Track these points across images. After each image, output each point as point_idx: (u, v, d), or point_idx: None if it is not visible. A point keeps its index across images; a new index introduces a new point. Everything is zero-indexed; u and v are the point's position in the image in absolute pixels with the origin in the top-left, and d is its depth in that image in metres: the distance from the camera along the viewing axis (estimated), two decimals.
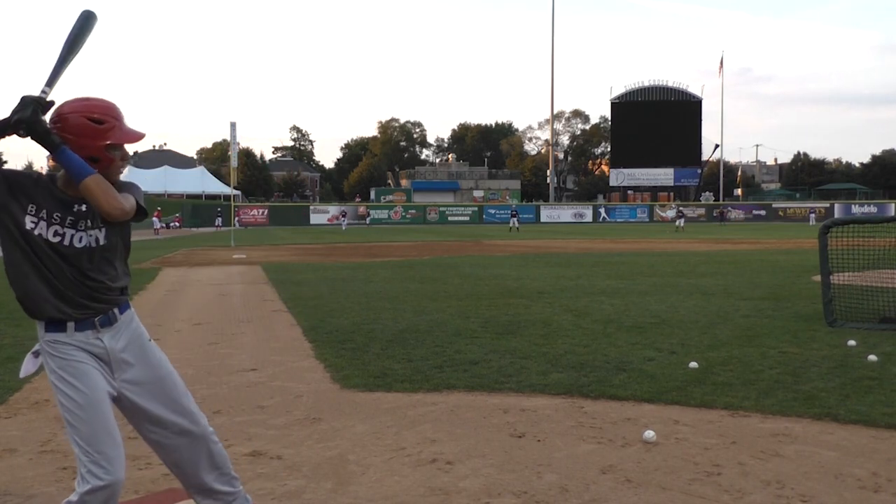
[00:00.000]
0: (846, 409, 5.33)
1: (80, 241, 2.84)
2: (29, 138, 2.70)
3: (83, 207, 2.83)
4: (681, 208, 58.40)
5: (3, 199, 2.78)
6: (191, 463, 3.07)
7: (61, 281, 2.82)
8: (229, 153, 40.54)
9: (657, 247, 28.40)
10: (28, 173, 2.89)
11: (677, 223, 51.25)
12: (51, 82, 2.78)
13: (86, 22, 2.91)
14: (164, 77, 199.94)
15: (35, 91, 2.75)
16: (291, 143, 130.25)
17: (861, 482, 4.06)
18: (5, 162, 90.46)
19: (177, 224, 64.01)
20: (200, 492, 3.14)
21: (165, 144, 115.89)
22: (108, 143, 2.81)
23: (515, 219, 51.97)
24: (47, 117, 2.75)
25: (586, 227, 58.81)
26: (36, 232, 2.79)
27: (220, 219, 61.73)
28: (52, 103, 2.74)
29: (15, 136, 2.72)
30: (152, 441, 3.07)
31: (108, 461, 2.76)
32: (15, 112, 2.67)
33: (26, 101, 2.68)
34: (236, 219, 59.85)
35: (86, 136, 2.77)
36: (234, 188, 45.82)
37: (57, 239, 2.81)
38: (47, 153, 2.74)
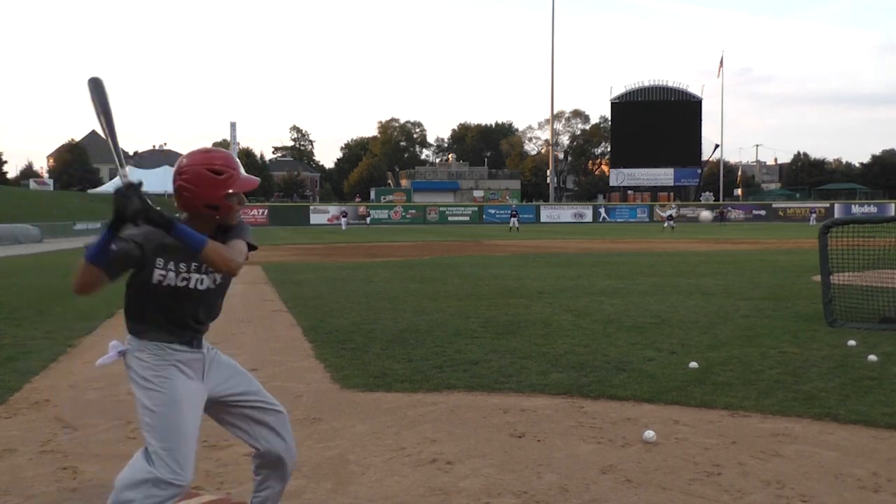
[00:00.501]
0: (846, 409, 5.33)
1: (202, 283, 3.03)
2: (144, 224, 2.75)
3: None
4: (671, 213, 57.85)
5: (139, 267, 2.93)
6: (284, 438, 3.26)
7: (179, 316, 3.01)
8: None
9: (657, 247, 28.40)
10: (154, 232, 2.86)
11: (666, 224, 51.11)
12: (122, 163, 2.86)
13: (97, 88, 2.97)
14: (165, 77, 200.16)
15: (116, 180, 2.85)
16: (291, 143, 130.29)
17: (861, 482, 4.07)
18: (5, 162, 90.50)
19: None
20: (284, 470, 3.34)
21: (165, 144, 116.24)
22: (229, 192, 2.96)
23: (515, 219, 51.95)
24: (167, 176, 2.85)
25: (586, 227, 58.80)
26: (165, 283, 2.95)
27: None
28: (141, 183, 2.78)
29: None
30: (256, 418, 3.20)
31: (183, 462, 2.88)
32: (122, 206, 2.69)
33: (126, 193, 2.71)
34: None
35: (207, 186, 2.93)
36: None
37: (183, 284, 2.98)
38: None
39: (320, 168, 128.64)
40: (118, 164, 2.86)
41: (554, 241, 34.96)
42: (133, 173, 2.99)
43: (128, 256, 2.85)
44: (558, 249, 27.12)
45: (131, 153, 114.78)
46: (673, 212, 55.78)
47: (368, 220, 69.53)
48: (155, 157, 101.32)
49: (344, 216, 61.50)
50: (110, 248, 2.76)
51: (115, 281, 2.89)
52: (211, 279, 3.05)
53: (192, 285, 3.00)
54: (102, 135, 2.98)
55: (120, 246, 2.80)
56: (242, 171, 3.05)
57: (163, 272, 2.94)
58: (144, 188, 2.75)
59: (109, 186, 62.25)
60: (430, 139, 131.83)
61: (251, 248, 3.07)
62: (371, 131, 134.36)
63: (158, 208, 2.77)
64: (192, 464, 2.93)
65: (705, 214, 59.85)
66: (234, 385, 3.18)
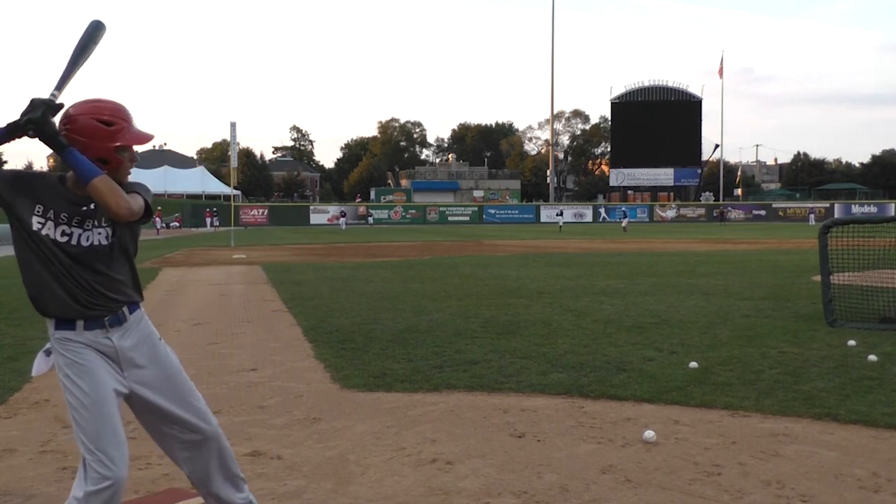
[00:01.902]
0: (846, 409, 5.33)
1: (87, 240, 2.86)
2: (37, 139, 2.73)
3: (91, 207, 2.85)
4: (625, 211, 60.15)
5: (8, 199, 2.82)
6: (202, 462, 3.10)
7: (70, 280, 2.85)
8: (229, 153, 40.56)
9: (657, 247, 28.40)
10: (35, 173, 2.92)
11: (624, 224, 51.97)
12: (60, 86, 2.81)
13: (94, 31, 2.94)
14: (165, 77, 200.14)
15: (45, 94, 2.78)
16: (291, 143, 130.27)
17: (861, 482, 4.06)
18: (5, 162, 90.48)
19: (177, 224, 63.97)
20: (211, 496, 3.17)
21: (165, 144, 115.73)
22: (118, 144, 2.84)
23: (627, 220, 54.22)
24: (56, 120, 2.78)
25: (586, 227, 58.80)
26: (43, 232, 2.82)
27: (215, 219, 61.16)
28: (61, 106, 2.77)
29: (19, 138, 2.75)
30: (165, 440, 3.09)
31: (111, 460, 2.78)
32: (25, 113, 2.70)
33: (36, 103, 2.72)
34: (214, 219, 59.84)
35: (95, 137, 2.79)
36: (234, 188, 45.83)
37: (64, 238, 2.83)
38: (50, 153, 2.78)
39: (320, 168, 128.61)
40: (57, 85, 2.81)
41: (554, 241, 34.96)
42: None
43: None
44: (558, 249, 27.12)
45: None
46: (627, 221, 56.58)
47: (370, 219, 69.51)
48: (155, 157, 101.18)
49: (343, 216, 61.53)
50: None
51: None
52: (99, 236, 2.87)
53: (73, 241, 2.83)
54: (66, 65, 2.89)
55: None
56: (135, 124, 2.91)
57: (41, 220, 2.80)
58: (60, 113, 2.74)
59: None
60: (430, 139, 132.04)
61: (148, 212, 2.90)
62: (371, 131, 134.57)
63: (63, 135, 2.74)
64: (125, 457, 2.83)
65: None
66: (161, 395, 3.00)
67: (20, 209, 2.82)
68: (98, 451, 2.78)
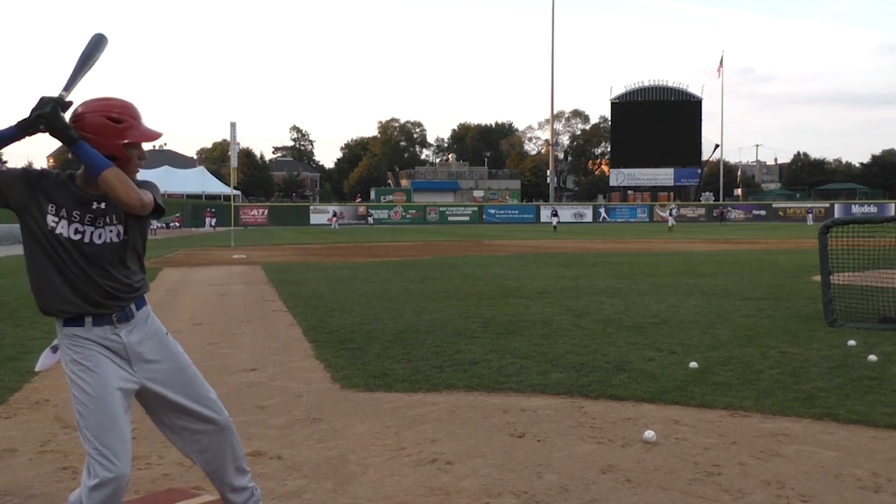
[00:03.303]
0: (846, 409, 5.33)
1: (100, 237, 2.88)
2: (48, 134, 2.76)
3: (102, 205, 2.88)
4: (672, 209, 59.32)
5: (23, 201, 2.85)
6: (217, 453, 3.14)
7: (81, 278, 2.87)
8: (229, 153, 40.54)
9: (657, 247, 28.40)
10: (46, 172, 2.93)
11: (670, 222, 51.79)
12: (68, 87, 2.84)
13: (98, 42, 2.98)
14: (165, 77, 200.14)
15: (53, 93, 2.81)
16: (291, 143, 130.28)
17: (861, 482, 4.06)
18: (5, 162, 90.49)
19: (177, 224, 63.91)
20: (225, 486, 3.21)
21: (165, 144, 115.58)
22: (127, 141, 2.86)
23: (672, 218, 53.29)
24: (66, 117, 2.81)
25: (586, 227, 58.79)
26: (57, 231, 2.84)
27: (213, 219, 61.03)
28: (70, 103, 2.81)
29: (31, 135, 2.78)
30: (180, 434, 3.11)
31: (114, 455, 2.79)
32: (35, 109, 2.74)
33: (45, 100, 2.75)
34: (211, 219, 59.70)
35: (104, 134, 2.82)
36: (235, 188, 45.83)
37: (78, 237, 2.86)
38: (49, 153, 2.78)
39: (320, 168, 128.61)
40: (65, 86, 2.83)
41: (554, 241, 34.97)
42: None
43: (11, 176, 2.83)
44: (558, 249, 27.12)
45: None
46: (673, 209, 56.40)
47: (370, 219, 69.50)
48: (155, 157, 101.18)
49: (335, 216, 61.87)
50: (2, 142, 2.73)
51: None
52: (111, 233, 2.89)
53: (86, 239, 2.86)
54: (71, 70, 2.91)
55: (8, 169, 2.81)
56: (144, 121, 2.95)
57: (55, 218, 2.83)
58: (69, 111, 2.77)
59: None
60: (430, 139, 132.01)
61: (158, 209, 2.94)
62: (371, 131, 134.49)
63: (71, 128, 2.76)
64: (128, 454, 2.85)
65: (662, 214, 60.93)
66: (173, 388, 3.03)
67: (35, 209, 2.84)
68: (102, 446, 2.80)
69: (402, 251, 26.71)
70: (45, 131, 2.75)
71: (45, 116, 2.72)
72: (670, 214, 54.71)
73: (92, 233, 2.87)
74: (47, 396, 6.10)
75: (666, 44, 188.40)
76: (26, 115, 2.75)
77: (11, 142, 2.77)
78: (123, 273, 2.95)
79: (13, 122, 2.77)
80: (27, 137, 2.79)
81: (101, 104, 2.87)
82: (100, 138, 2.81)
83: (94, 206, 2.87)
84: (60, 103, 2.76)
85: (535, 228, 56.86)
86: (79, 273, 2.86)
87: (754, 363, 6.89)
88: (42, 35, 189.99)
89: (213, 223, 60.43)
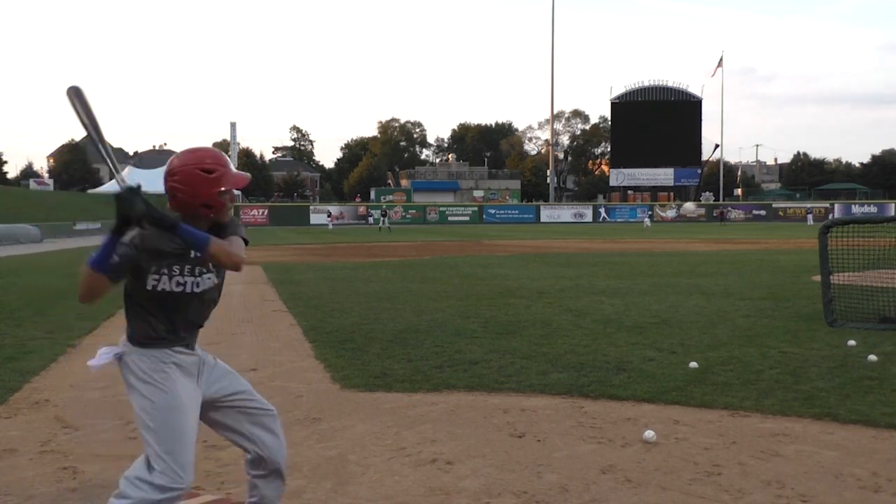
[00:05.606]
0: (846, 409, 5.34)
1: (199, 286, 3.03)
2: (148, 226, 2.79)
3: (198, 254, 2.94)
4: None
5: (132, 267, 2.90)
6: (277, 437, 3.26)
7: (174, 323, 3.00)
8: (229, 153, 40.58)
9: (657, 247, 28.40)
10: (150, 234, 2.86)
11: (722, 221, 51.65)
12: (115, 168, 2.88)
13: (79, 96, 2.93)
14: (165, 77, 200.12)
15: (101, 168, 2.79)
16: (291, 143, 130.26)
17: (861, 482, 4.07)
18: (5, 162, 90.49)
19: None
20: (278, 473, 3.30)
21: (165, 144, 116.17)
22: (221, 189, 2.96)
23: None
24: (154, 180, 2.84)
25: (586, 227, 58.79)
26: (159, 288, 2.94)
27: None
28: (140, 186, 2.78)
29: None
30: (247, 424, 3.19)
31: (182, 469, 2.88)
32: (126, 209, 2.72)
33: (127, 197, 2.73)
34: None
35: (199, 185, 2.92)
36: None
37: (179, 289, 2.97)
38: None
39: (320, 168, 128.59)
40: (113, 169, 2.87)
41: (554, 241, 34.95)
42: (132, 174, 2.97)
43: (129, 260, 2.86)
44: (558, 249, 27.11)
45: (131, 153, 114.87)
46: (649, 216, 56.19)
47: (371, 219, 69.45)
48: (155, 157, 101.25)
49: (328, 216, 62.25)
50: (113, 255, 2.77)
51: (118, 284, 2.89)
52: (207, 281, 3.05)
53: (188, 290, 2.99)
54: (92, 144, 2.96)
55: (121, 251, 2.81)
56: (233, 167, 3.06)
57: (156, 277, 2.92)
58: (143, 189, 2.77)
59: (109, 187, 62.43)
60: (430, 139, 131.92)
61: (244, 242, 3.10)
62: (371, 131, 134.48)
63: (160, 210, 2.79)
64: (192, 466, 2.93)
65: (688, 206, 60.05)
66: (227, 385, 3.19)
67: (140, 273, 2.91)
68: (171, 460, 2.86)
69: (402, 251, 26.71)
70: (145, 228, 2.78)
71: (145, 215, 2.72)
72: (649, 217, 55.02)
73: (192, 282, 3.00)
74: (47, 396, 6.10)
75: (666, 44, 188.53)
76: (116, 216, 2.74)
77: (113, 248, 2.77)
78: (210, 310, 3.16)
79: (104, 234, 2.81)
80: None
81: (194, 156, 2.95)
82: (194, 189, 2.91)
83: (192, 254, 2.94)
84: (139, 194, 2.74)
85: (535, 228, 56.81)
86: (175, 317, 3.00)
87: (754, 363, 6.89)
88: (41, 35, 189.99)
89: None
